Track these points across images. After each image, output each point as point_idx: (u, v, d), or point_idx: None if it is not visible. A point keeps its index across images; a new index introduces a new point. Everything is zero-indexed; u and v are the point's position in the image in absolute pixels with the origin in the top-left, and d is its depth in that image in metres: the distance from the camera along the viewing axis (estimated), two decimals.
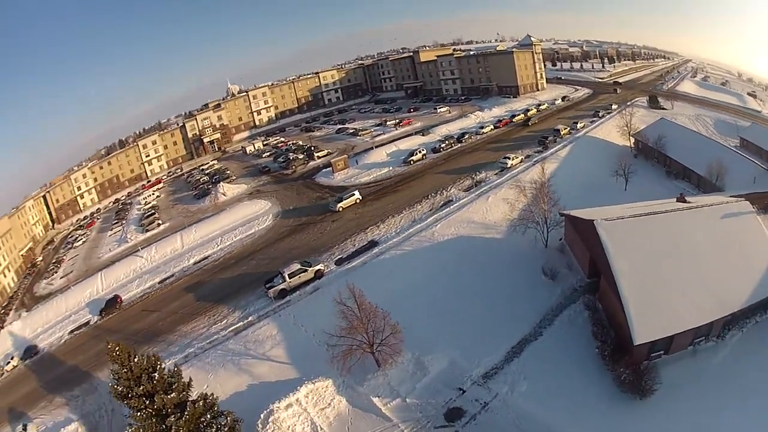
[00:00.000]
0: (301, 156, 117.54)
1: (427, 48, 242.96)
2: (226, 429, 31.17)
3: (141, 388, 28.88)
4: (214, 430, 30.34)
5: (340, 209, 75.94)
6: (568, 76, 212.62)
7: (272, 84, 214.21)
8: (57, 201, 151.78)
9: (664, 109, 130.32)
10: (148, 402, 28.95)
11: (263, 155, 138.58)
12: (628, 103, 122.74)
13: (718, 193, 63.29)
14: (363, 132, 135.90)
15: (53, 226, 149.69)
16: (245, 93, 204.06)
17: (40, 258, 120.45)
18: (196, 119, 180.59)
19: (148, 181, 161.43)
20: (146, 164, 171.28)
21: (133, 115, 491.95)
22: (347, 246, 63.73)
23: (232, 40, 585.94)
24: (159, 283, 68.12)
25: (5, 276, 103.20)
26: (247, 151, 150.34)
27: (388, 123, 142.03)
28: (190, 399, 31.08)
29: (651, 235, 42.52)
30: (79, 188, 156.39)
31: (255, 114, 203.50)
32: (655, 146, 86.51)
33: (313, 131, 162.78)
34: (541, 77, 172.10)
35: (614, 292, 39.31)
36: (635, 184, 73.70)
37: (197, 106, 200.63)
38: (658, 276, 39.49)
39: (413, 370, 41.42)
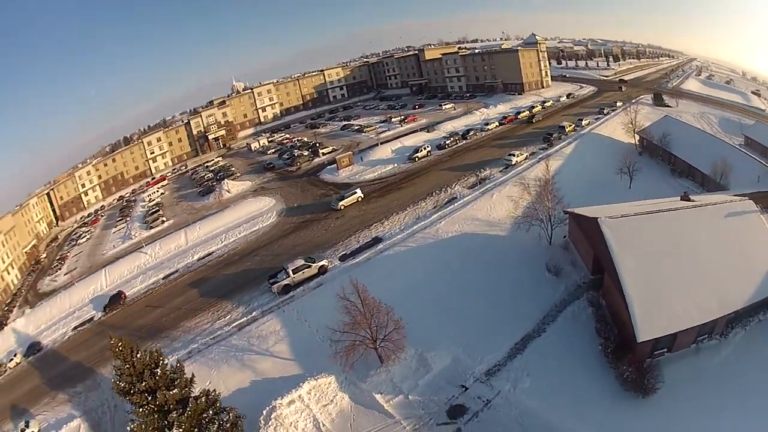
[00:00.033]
0: (305, 153, 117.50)
1: (432, 46, 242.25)
2: (228, 425, 31.19)
3: (143, 384, 28.92)
4: (216, 426, 30.35)
5: (342, 207, 75.79)
6: (573, 73, 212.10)
7: (277, 81, 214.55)
8: (61, 198, 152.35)
9: (668, 106, 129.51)
10: (150, 398, 28.98)
11: (268, 152, 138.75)
12: (633, 101, 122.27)
13: (722, 192, 62.96)
14: (368, 129, 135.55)
15: (57, 223, 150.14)
16: (250, 90, 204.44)
17: (44, 255, 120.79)
18: (200, 116, 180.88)
19: (153, 178, 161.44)
20: (151, 161, 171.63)
21: (135, 114, 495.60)
22: (351, 242, 63.65)
23: (233, 40, 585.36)
24: (163, 279, 68.24)
25: (9, 273, 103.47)
26: (252, 148, 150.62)
27: (393, 120, 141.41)
28: (192, 395, 31.14)
29: (655, 233, 42.37)
30: (83, 185, 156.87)
31: (260, 111, 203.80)
32: (660, 144, 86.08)
33: (318, 128, 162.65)
34: (546, 75, 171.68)
35: (618, 289, 39.22)
36: (640, 182, 73.48)
37: (200, 105, 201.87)
38: (662, 274, 39.35)
39: (416, 366, 41.38)
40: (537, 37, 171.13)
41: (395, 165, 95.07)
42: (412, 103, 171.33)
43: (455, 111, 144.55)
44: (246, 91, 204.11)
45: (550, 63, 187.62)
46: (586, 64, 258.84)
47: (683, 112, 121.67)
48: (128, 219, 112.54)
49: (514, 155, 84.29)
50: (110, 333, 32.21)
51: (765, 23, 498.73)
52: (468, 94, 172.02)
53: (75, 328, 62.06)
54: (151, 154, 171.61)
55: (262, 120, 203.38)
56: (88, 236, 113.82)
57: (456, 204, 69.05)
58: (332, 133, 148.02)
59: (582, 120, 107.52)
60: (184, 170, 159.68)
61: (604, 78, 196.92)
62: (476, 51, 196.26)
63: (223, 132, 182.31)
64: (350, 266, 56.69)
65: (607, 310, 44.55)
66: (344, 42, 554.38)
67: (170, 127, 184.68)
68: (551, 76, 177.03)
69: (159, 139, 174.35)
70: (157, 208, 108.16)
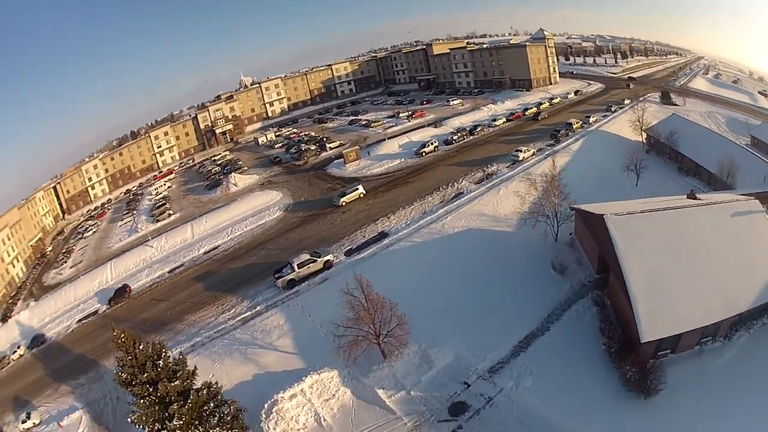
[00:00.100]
0: (313, 147, 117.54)
1: (441, 41, 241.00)
2: (228, 418, 31.27)
3: (145, 375, 29.01)
4: (216, 419, 30.43)
5: (343, 203, 75.59)
6: (581, 70, 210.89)
7: (285, 76, 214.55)
8: (68, 192, 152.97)
9: (676, 105, 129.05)
10: (151, 389, 29.06)
11: (275, 146, 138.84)
12: (641, 99, 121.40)
13: (728, 191, 62.57)
14: (375, 123, 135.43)
15: (63, 216, 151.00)
16: (258, 85, 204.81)
17: (50, 248, 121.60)
18: (208, 110, 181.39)
19: (160, 172, 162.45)
20: (158, 155, 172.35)
21: (144, 109, 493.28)
22: (357, 237, 63.59)
23: (242, 36, 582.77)
24: (168, 272, 68.50)
25: (14, 266, 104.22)
26: (260, 142, 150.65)
27: (400, 115, 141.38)
28: (194, 387, 31.18)
29: (660, 231, 42.01)
30: (90, 179, 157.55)
31: (267, 105, 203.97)
32: (667, 142, 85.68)
33: (326, 122, 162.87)
34: (554, 71, 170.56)
35: (623, 288, 38.94)
36: (646, 180, 73.04)
37: (208, 99, 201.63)
38: (666, 273, 39.00)
39: (419, 362, 41.29)
40: (545, 32, 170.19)
41: (402, 160, 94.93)
42: (419, 99, 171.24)
43: (463, 107, 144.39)
44: (254, 86, 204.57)
45: (558, 59, 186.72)
46: (594, 60, 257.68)
47: (690, 110, 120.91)
48: (135, 212, 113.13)
49: (521, 151, 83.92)
50: (113, 325, 32.14)
51: (765, 24, 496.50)
52: (476, 90, 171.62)
53: (79, 320, 62.47)
54: (158, 147, 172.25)
55: (270, 114, 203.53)
56: (94, 229, 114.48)
57: (462, 199, 68.88)
58: (340, 127, 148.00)
59: (589, 117, 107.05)
60: (191, 164, 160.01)
61: (612, 75, 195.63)
62: (484, 46, 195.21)
63: (230, 126, 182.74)
64: (355, 261, 56.64)
65: (612, 309, 44.31)
66: (353, 38, 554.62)
67: (178, 122, 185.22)
68: (559, 73, 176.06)
69: (166, 133, 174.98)
70: (164, 202, 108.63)
